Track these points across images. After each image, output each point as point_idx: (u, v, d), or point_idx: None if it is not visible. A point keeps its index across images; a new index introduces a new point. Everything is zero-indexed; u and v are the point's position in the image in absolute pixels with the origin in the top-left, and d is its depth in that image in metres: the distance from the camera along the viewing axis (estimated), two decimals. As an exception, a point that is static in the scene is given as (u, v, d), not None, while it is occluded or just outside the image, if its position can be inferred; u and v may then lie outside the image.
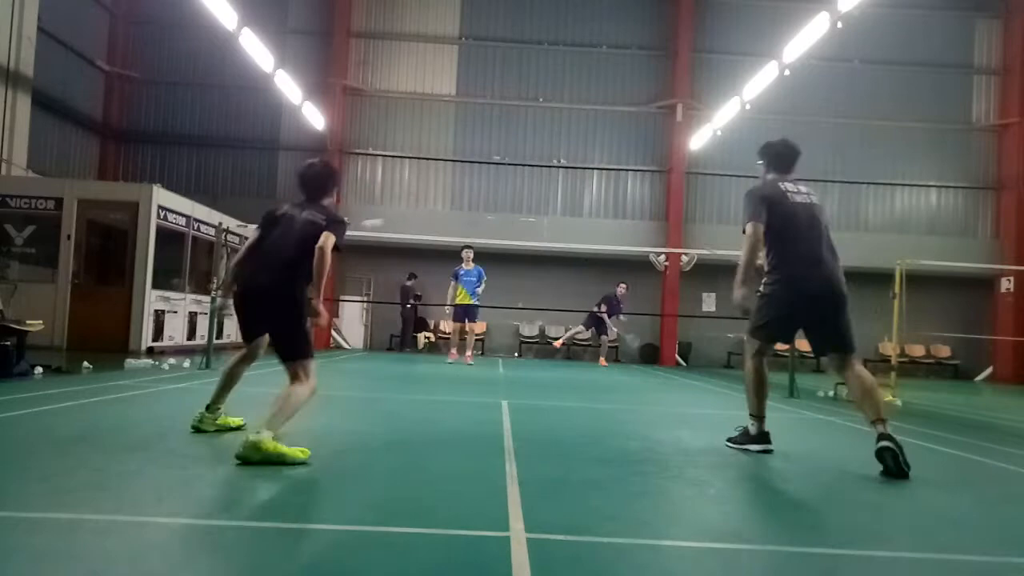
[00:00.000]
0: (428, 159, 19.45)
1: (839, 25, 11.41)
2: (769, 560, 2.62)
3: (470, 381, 10.22)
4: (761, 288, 4.79)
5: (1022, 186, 18.78)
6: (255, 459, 3.63)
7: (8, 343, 7.26)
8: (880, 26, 17.97)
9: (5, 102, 13.60)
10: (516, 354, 19.26)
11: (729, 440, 5.01)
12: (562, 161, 19.55)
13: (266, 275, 4.20)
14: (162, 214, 12.72)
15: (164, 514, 2.82)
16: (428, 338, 19.34)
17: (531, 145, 19.55)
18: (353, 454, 4.34)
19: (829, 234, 4.84)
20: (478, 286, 13.17)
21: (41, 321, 8.29)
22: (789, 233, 4.67)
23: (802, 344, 18.15)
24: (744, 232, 4.71)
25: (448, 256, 18.43)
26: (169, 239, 13.08)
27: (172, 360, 10.38)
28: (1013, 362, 18.31)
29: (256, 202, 18.48)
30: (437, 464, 4.09)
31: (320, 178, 4.43)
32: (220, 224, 10.98)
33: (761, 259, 4.79)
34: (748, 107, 15.91)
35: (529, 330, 19.73)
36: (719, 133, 17.37)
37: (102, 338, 11.70)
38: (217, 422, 4.58)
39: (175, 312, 13.21)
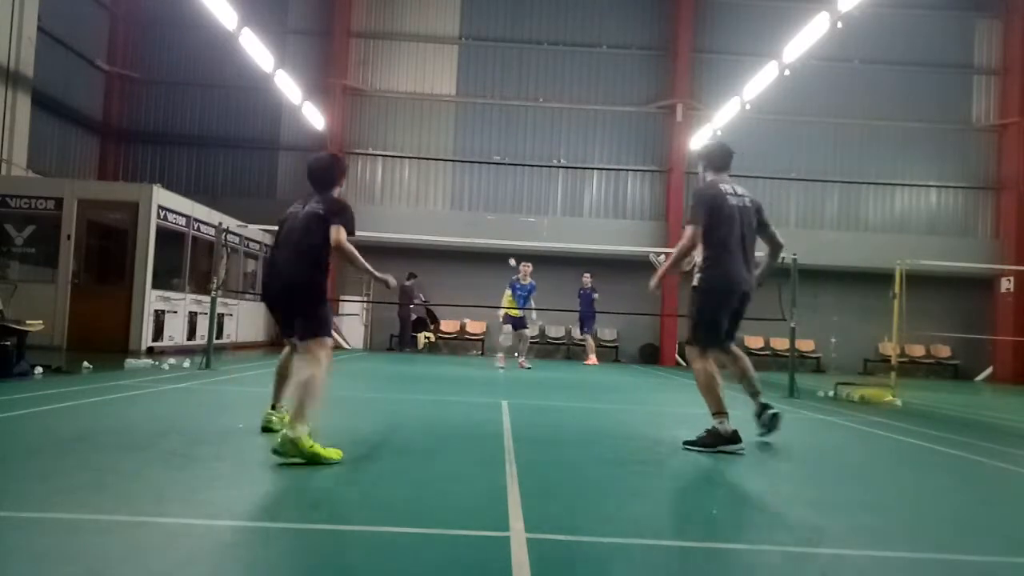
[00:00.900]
0: (428, 159, 19.45)
1: (839, 25, 11.41)
2: (769, 560, 2.62)
3: (470, 381, 10.22)
4: (696, 282, 5.05)
5: (1022, 186, 18.78)
6: (291, 455, 3.72)
7: (8, 343, 7.26)
8: (880, 26, 17.97)
9: (5, 102, 13.60)
10: (516, 354, 19.23)
11: (688, 443, 4.84)
12: (562, 161, 19.55)
13: (280, 269, 4.41)
14: (162, 214, 12.73)
15: (164, 514, 2.82)
16: (428, 338, 19.34)
17: (531, 145, 19.55)
18: (353, 454, 4.33)
19: (756, 233, 5.16)
20: (527, 301, 13.41)
21: (41, 321, 8.28)
22: (724, 234, 4.95)
23: (802, 344, 18.23)
24: (686, 227, 5.06)
25: (448, 256, 18.51)
26: (169, 239, 13.08)
27: (172, 360, 10.38)
28: (1013, 362, 18.31)
29: (256, 202, 18.53)
30: (437, 464, 4.09)
31: (326, 170, 4.59)
32: (220, 224, 10.97)
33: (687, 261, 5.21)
34: (748, 107, 15.91)
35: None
36: (719, 133, 17.35)
37: (102, 338, 11.70)
38: (284, 420, 4.39)
39: (175, 312, 13.21)
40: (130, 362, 9.47)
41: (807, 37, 12.13)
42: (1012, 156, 19.05)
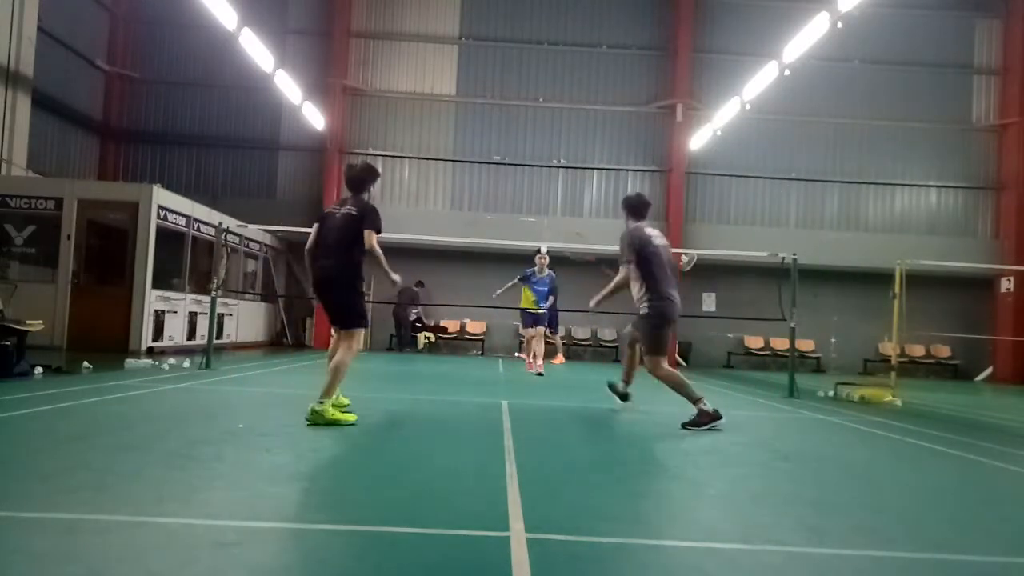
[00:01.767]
0: (428, 159, 19.46)
1: (839, 25, 11.40)
2: (769, 560, 2.62)
3: (470, 381, 10.22)
4: (646, 310, 6.21)
5: (1022, 186, 18.78)
6: (321, 423, 4.85)
7: (8, 343, 7.25)
8: (880, 26, 17.97)
9: (5, 102, 13.59)
10: (516, 354, 19.26)
11: (686, 424, 5.90)
12: (562, 161, 19.56)
13: (325, 266, 5.31)
14: (162, 214, 12.73)
15: (164, 514, 2.82)
16: (428, 338, 19.35)
17: (531, 145, 19.55)
18: (353, 454, 4.34)
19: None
20: (547, 296, 11.89)
21: (41, 321, 8.29)
22: (657, 267, 6.21)
23: (802, 344, 18.23)
24: (621, 266, 6.32)
25: (448, 256, 18.52)
26: (169, 239, 13.08)
27: (172, 360, 10.38)
28: (1013, 362, 18.31)
29: (256, 202, 18.54)
30: (437, 464, 4.09)
31: (358, 176, 5.53)
32: (220, 224, 10.97)
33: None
34: (748, 107, 15.91)
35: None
36: (719, 133, 17.36)
37: (102, 338, 11.70)
38: (340, 399, 5.39)
39: (175, 312, 13.21)
40: (130, 362, 9.47)
41: (807, 37, 12.12)
42: (1012, 156, 19.05)
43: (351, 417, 5.04)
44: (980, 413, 9.64)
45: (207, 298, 11.14)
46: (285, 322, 18.96)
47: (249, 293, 16.87)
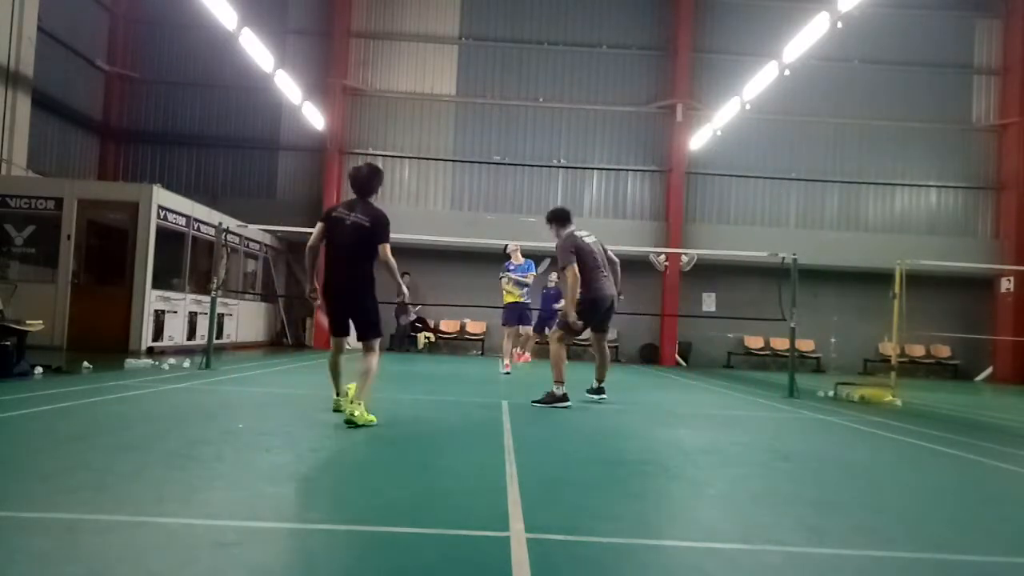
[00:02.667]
0: (428, 159, 19.46)
1: (839, 25, 11.40)
2: (769, 560, 2.62)
3: (470, 381, 10.22)
4: (580, 298, 7.09)
5: (1022, 186, 18.78)
6: (360, 423, 4.98)
7: (8, 343, 7.25)
8: (880, 26, 17.97)
9: (5, 102, 13.59)
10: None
11: (535, 401, 7.04)
12: (562, 161, 19.56)
13: (341, 277, 5.40)
14: (162, 214, 12.72)
15: (164, 514, 2.82)
16: (428, 338, 19.34)
17: (531, 145, 19.55)
18: (353, 454, 4.34)
19: (606, 257, 7.48)
20: (526, 281, 11.84)
21: (41, 321, 8.28)
22: (589, 265, 7.16)
23: (802, 344, 18.23)
24: (564, 271, 7.07)
25: (448, 256, 18.51)
26: (169, 239, 13.07)
27: (172, 360, 10.38)
28: (1013, 362, 18.31)
29: (256, 202, 18.55)
30: (437, 464, 4.09)
31: (365, 180, 5.54)
32: (220, 224, 10.97)
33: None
34: (748, 107, 15.91)
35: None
36: (719, 133, 17.36)
37: (102, 338, 11.70)
38: (348, 398, 5.35)
39: (175, 312, 13.21)
40: (130, 362, 9.47)
41: (807, 37, 12.12)
42: (1012, 156, 19.06)
43: (373, 419, 5.17)
44: (980, 413, 9.64)
45: (207, 298, 11.14)
46: (285, 322, 18.96)
47: (249, 293, 16.87)
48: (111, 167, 18.86)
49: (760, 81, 14.49)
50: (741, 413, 7.64)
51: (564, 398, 6.95)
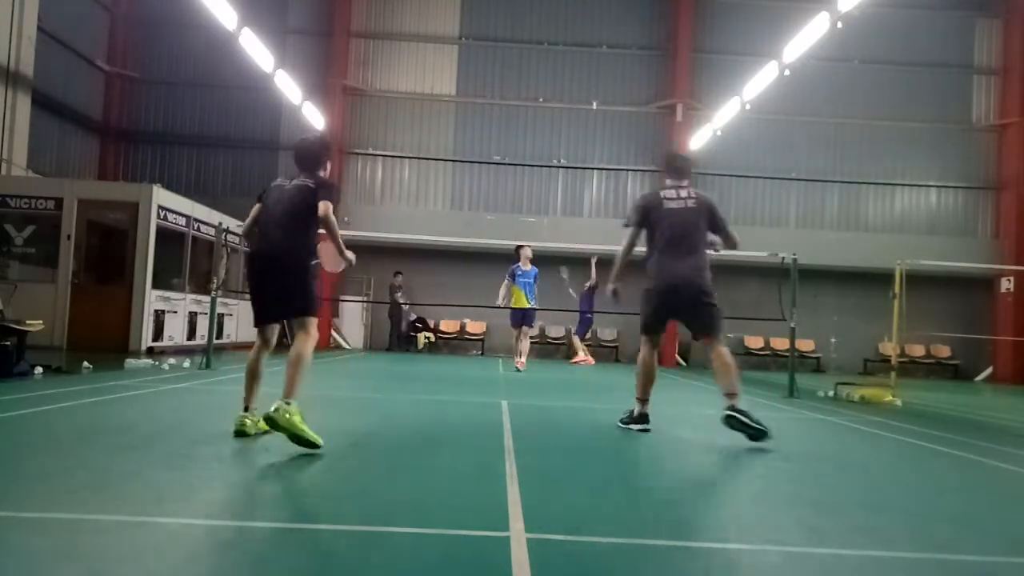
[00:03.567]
0: (428, 159, 19.46)
1: (839, 25, 11.41)
2: (769, 560, 2.62)
3: (470, 381, 10.22)
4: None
5: (1022, 186, 18.78)
6: (281, 424, 3.90)
7: (8, 343, 7.25)
8: (880, 26, 17.96)
9: (5, 102, 13.59)
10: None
11: (620, 422, 5.55)
12: (562, 161, 19.56)
13: (270, 245, 4.46)
14: (162, 214, 12.72)
15: (164, 514, 2.82)
16: (428, 338, 19.34)
17: (531, 145, 19.55)
18: (353, 454, 4.34)
19: (703, 232, 5.41)
20: (533, 290, 12.25)
21: (41, 321, 8.28)
22: (659, 235, 5.32)
23: (802, 344, 18.23)
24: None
25: (448, 256, 18.51)
26: (169, 239, 13.07)
27: (172, 360, 10.38)
28: (1013, 362, 18.30)
29: (256, 202, 18.54)
30: (437, 464, 4.09)
31: (312, 150, 4.61)
32: (220, 224, 10.97)
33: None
34: (748, 107, 15.91)
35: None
36: (719, 133, 17.36)
37: (102, 338, 11.69)
38: (259, 425, 4.37)
39: (175, 312, 13.20)
40: (130, 362, 9.46)
41: (807, 37, 12.13)
42: (1012, 156, 19.05)
43: (317, 437, 4.01)
44: (980, 413, 9.64)
45: (207, 298, 11.14)
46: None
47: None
48: (111, 167, 18.86)
49: (760, 81, 14.49)
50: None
51: (641, 419, 5.46)
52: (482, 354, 18.99)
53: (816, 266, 16.18)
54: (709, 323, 5.31)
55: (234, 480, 3.49)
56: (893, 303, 10.09)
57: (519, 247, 12.38)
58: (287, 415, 3.91)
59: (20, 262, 12.37)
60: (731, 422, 4.94)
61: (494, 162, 19.46)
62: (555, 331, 19.52)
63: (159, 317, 12.61)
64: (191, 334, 13.73)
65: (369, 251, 18.48)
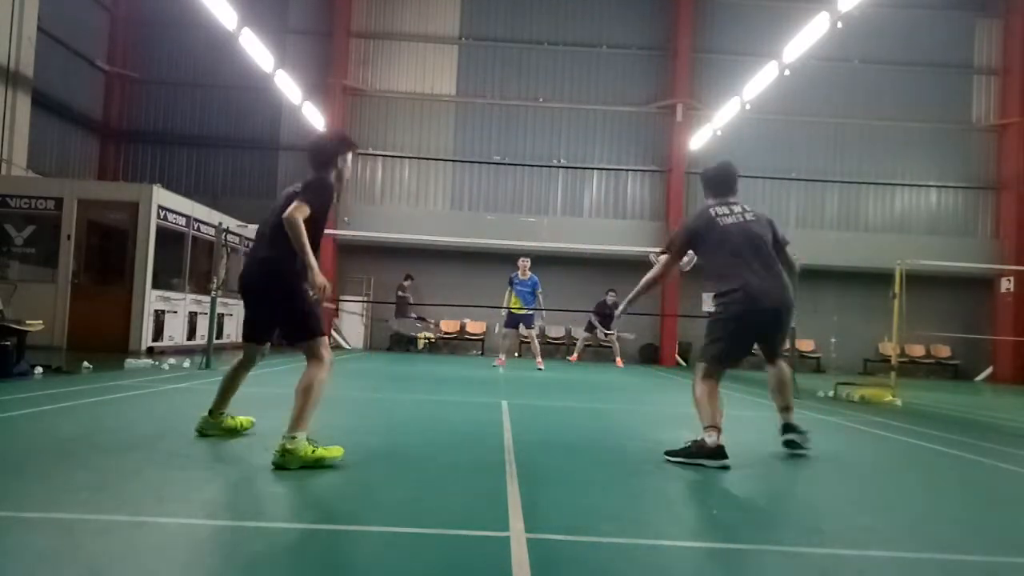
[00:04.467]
0: (428, 159, 19.46)
1: (839, 25, 11.40)
2: (769, 560, 2.62)
3: (470, 381, 10.22)
4: (714, 309, 4.83)
5: (1022, 186, 18.78)
6: (294, 467, 3.55)
7: (8, 343, 7.25)
8: (880, 26, 17.97)
9: (5, 102, 13.60)
10: (516, 354, 19.24)
11: (668, 453, 4.45)
12: (562, 161, 19.56)
13: (250, 259, 4.18)
14: (162, 214, 12.72)
15: (164, 514, 2.82)
16: (428, 338, 19.34)
17: (531, 145, 19.55)
18: (353, 455, 4.33)
19: (773, 248, 4.84)
20: (533, 298, 13.16)
21: (41, 321, 8.28)
22: (724, 258, 4.67)
23: (802, 344, 18.21)
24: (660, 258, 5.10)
25: (448, 256, 18.52)
26: (169, 239, 13.07)
27: (172, 360, 10.37)
28: (1013, 362, 18.31)
29: (256, 202, 18.45)
30: (437, 464, 4.09)
31: (318, 147, 4.15)
32: (220, 224, 10.97)
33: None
34: (748, 107, 15.90)
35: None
36: (719, 133, 17.35)
37: (102, 338, 11.69)
38: (222, 426, 4.41)
39: (175, 312, 13.20)
40: (130, 362, 9.46)
41: (807, 37, 12.12)
42: (1012, 156, 19.06)
43: (337, 451, 3.75)
44: (980, 413, 9.64)
45: (207, 298, 11.14)
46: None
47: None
48: (111, 167, 18.87)
49: (760, 81, 14.49)
50: (741, 413, 7.63)
51: (717, 452, 4.25)
52: (482, 354, 18.99)
53: (816, 266, 16.17)
54: (784, 341, 4.99)
55: (234, 480, 3.49)
56: (893, 303, 10.09)
57: (520, 257, 13.37)
58: (295, 453, 3.57)
59: (20, 262, 12.36)
60: (792, 446, 4.82)
61: (494, 162, 19.46)
62: (555, 331, 19.51)
63: (159, 317, 12.61)
64: (191, 334, 13.73)
65: (369, 251, 18.63)
